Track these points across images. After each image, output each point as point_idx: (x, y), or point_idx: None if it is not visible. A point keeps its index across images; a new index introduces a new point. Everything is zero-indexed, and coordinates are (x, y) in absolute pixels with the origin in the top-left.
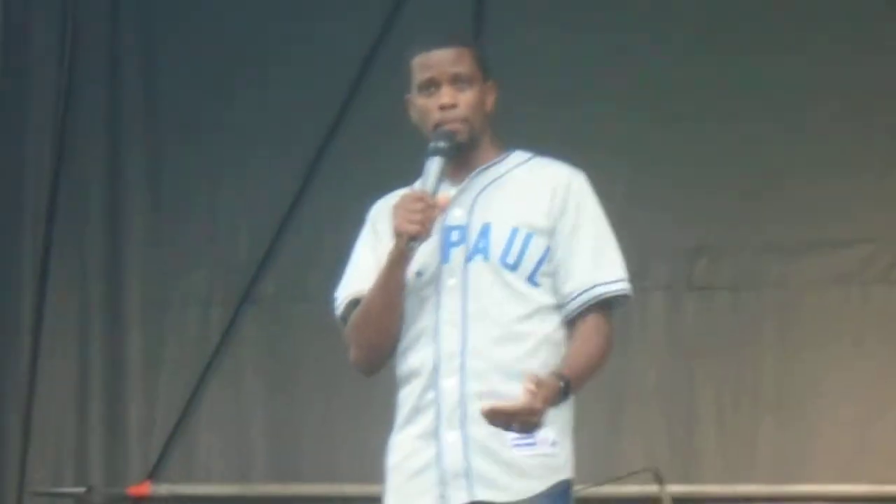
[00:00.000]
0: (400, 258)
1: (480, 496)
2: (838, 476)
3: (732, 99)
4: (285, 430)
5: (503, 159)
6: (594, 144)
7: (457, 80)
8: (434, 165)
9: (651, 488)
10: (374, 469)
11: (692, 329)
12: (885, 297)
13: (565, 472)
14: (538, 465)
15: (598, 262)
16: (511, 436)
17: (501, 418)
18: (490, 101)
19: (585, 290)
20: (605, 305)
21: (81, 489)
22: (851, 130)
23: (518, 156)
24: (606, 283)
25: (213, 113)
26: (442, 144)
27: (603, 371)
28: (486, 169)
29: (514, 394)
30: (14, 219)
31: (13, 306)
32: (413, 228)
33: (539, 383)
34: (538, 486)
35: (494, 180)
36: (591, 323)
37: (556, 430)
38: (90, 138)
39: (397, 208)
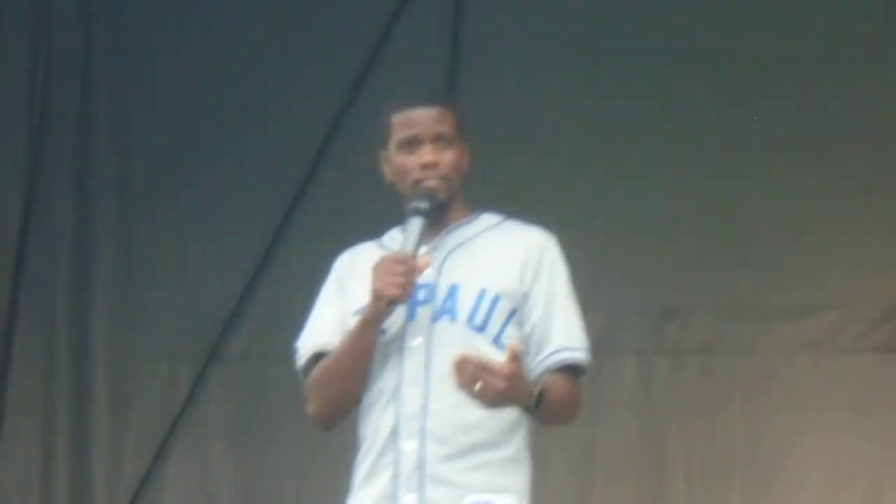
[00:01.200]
0: (375, 319)
1: None
2: None
3: (702, 162)
4: (253, 488)
5: (473, 220)
6: (563, 206)
7: (439, 140)
8: (415, 226)
9: None
10: None
11: (662, 393)
12: (854, 366)
13: None
14: None
15: (570, 329)
16: (468, 501)
17: (470, 369)
18: (465, 161)
19: (552, 353)
20: (572, 371)
21: None
22: (822, 195)
23: (488, 217)
24: (573, 349)
25: (184, 170)
26: (423, 205)
27: (573, 435)
28: (456, 228)
29: (478, 460)
30: None
31: None
32: (394, 292)
33: (518, 359)
34: None
35: (465, 241)
36: (560, 379)
37: (515, 497)
38: (58, 194)
39: (378, 269)
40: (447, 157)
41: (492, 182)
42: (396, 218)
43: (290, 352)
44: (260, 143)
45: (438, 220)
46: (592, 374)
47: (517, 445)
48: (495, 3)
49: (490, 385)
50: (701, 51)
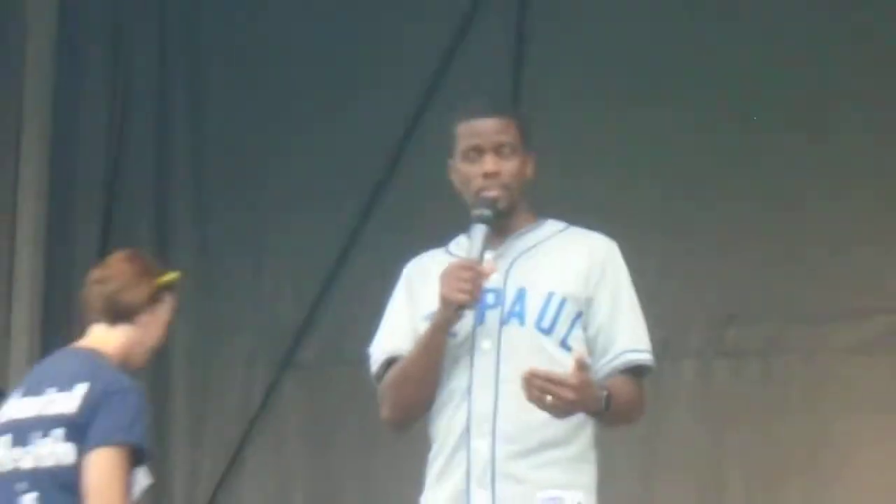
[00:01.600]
0: (445, 325)
1: None
2: None
3: (762, 175)
4: (325, 489)
5: (538, 227)
6: (626, 216)
7: (500, 149)
8: (479, 233)
9: None
10: None
11: (722, 395)
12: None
13: None
14: None
15: (635, 332)
16: (539, 496)
17: (538, 384)
18: (529, 170)
19: (618, 355)
20: (637, 372)
21: None
22: (878, 205)
23: (553, 224)
24: (638, 351)
25: (259, 178)
26: (486, 212)
27: (636, 436)
28: (522, 235)
29: (547, 458)
30: (64, 287)
31: None
32: (462, 298)
33: (586, 367)
34: None
35: (531, 247)
36: (625, 380)
37: (583, 493)
38: (138, 200)
39: (446, 276)
40: (508, 166)
41: (558, 193)
42: (466, 224)
43: (361, 357)
44: (334, 149)
45: (504, 226)
46: (655, 376)
47: (584, 443)
48: (559, 22)
49: (560, 397)
50: (762, 74)
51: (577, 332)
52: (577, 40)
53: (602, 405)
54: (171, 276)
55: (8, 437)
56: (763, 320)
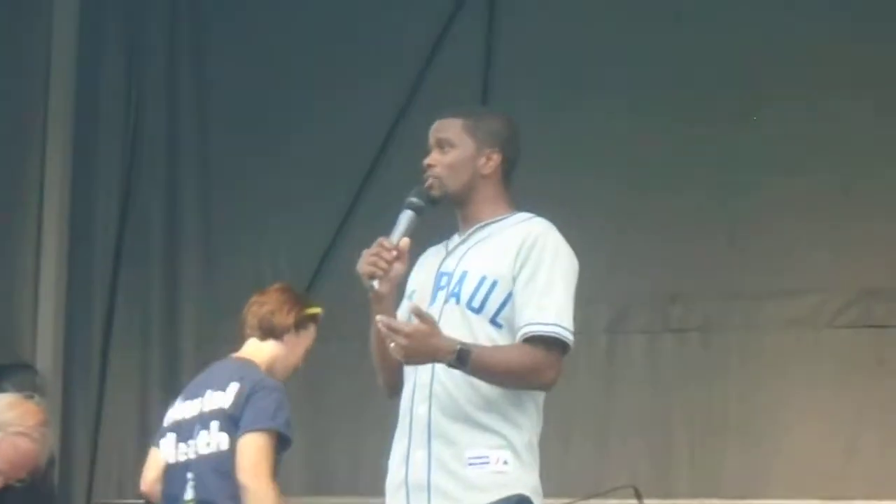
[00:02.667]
0: (374, 299)
1: None
2: (792, 492)
3: (700, 170)
4: (320, 449)
5: (504, 218)
6: (582, 207)
7: (442, 145)
8: (402, 217)
9: (631, 502)
10: None
11: (668, 367)
12: (833, 340)
13: (517, 488)
14: (489, 482)
15: (541, 307)
16: (467, 455)
17: (384, 330)
18: (488, 165)
19: (521, 328)
20: (546, 344)
21: (143, 502)
22: (805, 193)
23: (520, 216)
24: (541, 324)
25: (259, 168)
26: (413, 199)
27: (591, 403)
28: (486, 225)
29: (476, 421)
30: (83, 272)
31: (84, 339)
32: (367, 269)
33: (423, 317)
34: (487, 498)
35: (488, 236)
36: (521, 346)
37: (510, 452)
38: (152, 193)
39: (364, 253)
40: (444, 159)
41: (518, 188)
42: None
43: (353, 332)
44: (327, 135)
45: (467, 215)
46: (608, 350)
47: (514, 408)
48: (526, 21)
49: (396, 342)
50: (699, 72)
51: (508, 311)
52: (541, 44)
53: (453, 358)
54: (315, 309)
55: (172, 436)
56: (703, 299)
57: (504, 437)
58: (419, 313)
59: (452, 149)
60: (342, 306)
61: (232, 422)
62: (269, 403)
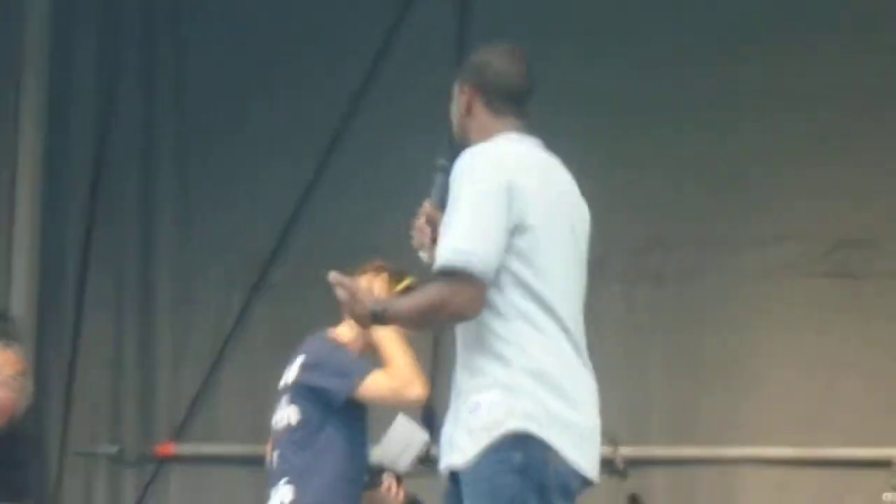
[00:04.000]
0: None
1: (451, 461)
2: (769, 439)
3: (681, 119)
4: None
5: None
6: (563, 151)
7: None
8: (436, 179)
9: (606, 450)
10: None
11: (646, 313)
12: (811, 288)
13: (509, 424)
14: (481, 426)
15: (442, 240)
16: (469, 403)
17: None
18: (463, 102)
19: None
20: (445, 275)
21: (115, 449)
22: (783, 141)
23: None
24: (439, 259)
25: (234, 122)
26: (439, 160)
27: None
28: None
29: (472, 365)
30: (59, 220)
31: (58, 292)
32: (414, 242)
33: (342, 284)
34: (482, 443)
35: None
36: (431, 284)
37: (497, 391)
38: (126, 154)
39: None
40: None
41: None
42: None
43: (325, 278)
44: (297, 98)
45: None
46: (588, 298)
47: (500, 343)
48: None
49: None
50: (678, 23)
51: None
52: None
53: (368, 321)
54: (408, 281)
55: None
56: (681, 246)
57: (491, 375)
58: (338, 281)
59: (451, 102)
60: (317, 253)
61: (297, 394)
62: (343, 356)
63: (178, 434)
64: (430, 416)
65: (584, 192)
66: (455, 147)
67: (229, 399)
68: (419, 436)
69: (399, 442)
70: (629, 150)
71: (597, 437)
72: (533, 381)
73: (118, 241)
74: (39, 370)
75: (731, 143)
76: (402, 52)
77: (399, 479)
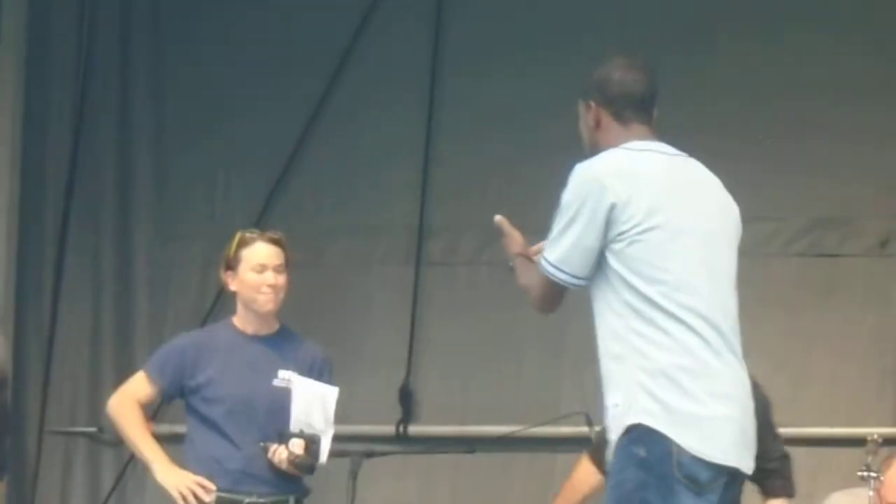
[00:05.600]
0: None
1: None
2: None
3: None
4: None
5: None
6: (535, 127)
7: None
8: None
9: (582, 429)
10: None
11: None
12: (785, 268)
13: (629, 419)
14: (612, 424)
15: (546, 245)
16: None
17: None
18: (590, 117)
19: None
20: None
21: (93, 429)
22: (759, 124)
23: None
24: (543, 259)
25: (211, 103)
26: None
27: (544, 332)
28: None
29: (604, 369)
30: (37, 193)
31: (36, 269)
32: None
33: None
34: (614, 437)
35: None
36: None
37: (620, 393)
38: (102, 134)
39: None
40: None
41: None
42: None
43: (303, 259)
44: (274, 77)
45: None
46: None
47: (615, 343)
48: None
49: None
50: (650, 15)
51: None
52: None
53: (509, 269)
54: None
55: None
56: None
57: (612, 376)
58: (502, 223)
59: (579, 119)
60: (294, 232)
61: None
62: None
63: (156, 414)
64: (407, 394)
65: (562, 172)
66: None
67: None
68: (323, 391)
69: (301, 403)
70: None
71: (734, 426)
72: (649, 379)
73: (95, 222)
74: (18, 351)
75: (705, 121)
76: (379, 30)
77: (308, 443)
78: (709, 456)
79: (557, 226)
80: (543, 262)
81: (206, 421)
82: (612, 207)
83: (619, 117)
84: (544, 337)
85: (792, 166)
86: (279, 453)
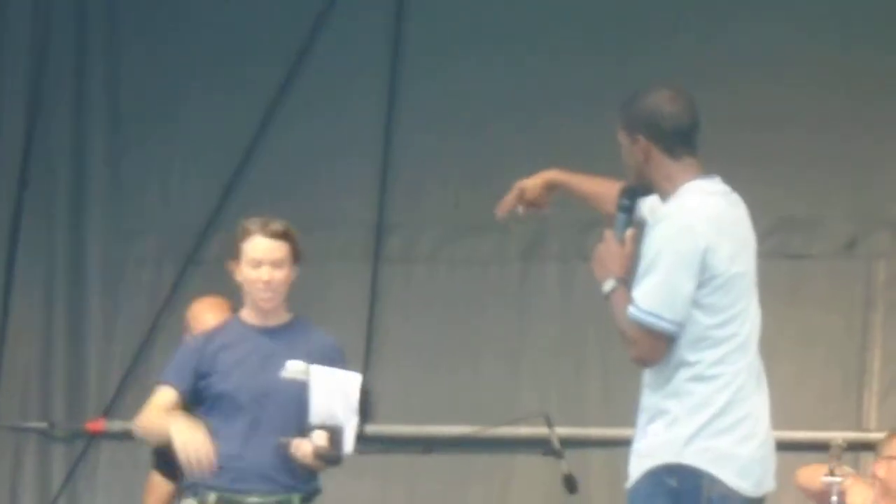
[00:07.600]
0: None
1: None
2: None
3: (617, 87)
4: None
5: (669, 198)
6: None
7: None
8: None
9: (542, 430)
10: None
11: (582, 293)
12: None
13: (665, 457)
14: (645, 452)
15: (637, 293)
16: (640, 429)
17: None
18: (639, 150)
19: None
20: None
21: (45, 424)
22: (727, 125)
23: (676, 197)
24: (633, 305)
25: (167, 93)
26: (622, 200)
27: (501, 331)
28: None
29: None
30: None
31: None
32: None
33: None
34: (648, 464)
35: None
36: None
37: (658, 424)
38: (57, 122)
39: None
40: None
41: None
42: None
43: None
44: (232, 67)
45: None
46: (521, 278)
47: (669, 384)
48: None
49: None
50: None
51: None
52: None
53: (607, 289)
54: None
55: None
56: None
57: (661, 405)
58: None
59: (622, 148)
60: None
61: None
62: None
63: (109, 410)
64: (364, 393)
65: (520, 172)
66: (635, 189)
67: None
68: (344, 378)
69: (321, 393)
70: (571, 129)
71: (766, 460)
72: (697, 418)
73: (47, 216)
74: None
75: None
76: (340, 21)
77: (331, 434)
78: (744, 490)
79: (649, 273)
80: (636, 312)
81: (210, 416)
82: (705, 252)
83: (671, 152)
84: (503, 337)
85: (757, 165)
86: (302, 447)
